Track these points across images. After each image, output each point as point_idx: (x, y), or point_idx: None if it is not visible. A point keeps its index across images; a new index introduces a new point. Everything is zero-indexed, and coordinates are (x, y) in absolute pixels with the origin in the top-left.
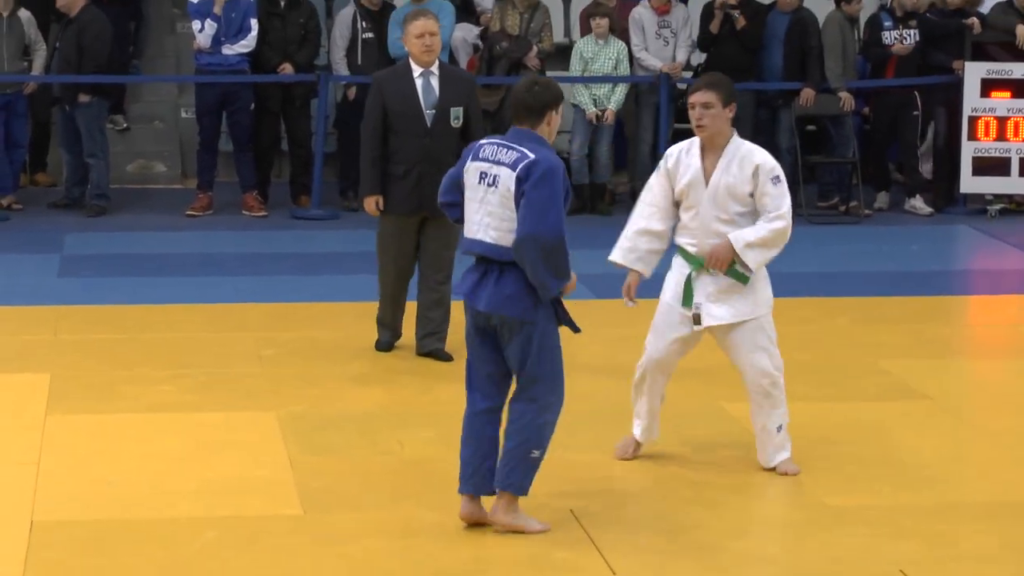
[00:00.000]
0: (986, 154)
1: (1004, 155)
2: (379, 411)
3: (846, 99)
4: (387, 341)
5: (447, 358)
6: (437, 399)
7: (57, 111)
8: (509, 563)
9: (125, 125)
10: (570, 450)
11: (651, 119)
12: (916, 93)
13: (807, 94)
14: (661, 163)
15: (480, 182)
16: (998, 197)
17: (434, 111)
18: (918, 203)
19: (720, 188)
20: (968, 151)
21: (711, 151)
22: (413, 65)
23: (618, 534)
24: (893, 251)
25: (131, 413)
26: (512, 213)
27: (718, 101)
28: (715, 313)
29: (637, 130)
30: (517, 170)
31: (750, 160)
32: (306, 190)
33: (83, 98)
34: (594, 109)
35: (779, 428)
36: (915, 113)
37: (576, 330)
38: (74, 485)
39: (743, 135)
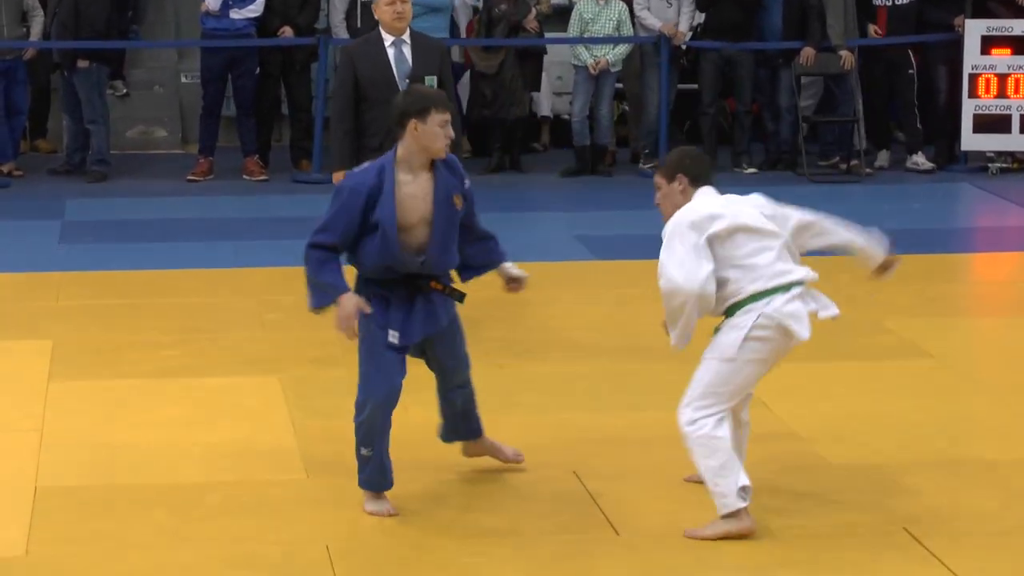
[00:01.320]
0: (987, 111)
1: (1005, 112)
2: None
3: (847, 57)
4: None
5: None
6: None
7: (58, 77)
8: (511, 519)
9: (125, 91)
10: (568, 410)
11: (655, 80)
12: (910, 51)
13: (807, 53)
14: None
15: None
16: (999, 155)
17: (408, 81)
18: (919, 159)
19: None
20: (969, 108)
21: None
22: (384, 34)
23: (621, 490)
24: (895, 209)
25: (134, 379)
26: None
27: (662, 180)
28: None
29: (643, 91)
30: None
31: None
32: (307, 154)
33: (82, 64)
34: (592, 60)
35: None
36: (910, 71)
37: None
38: (77, 451)
39: (744, 96)
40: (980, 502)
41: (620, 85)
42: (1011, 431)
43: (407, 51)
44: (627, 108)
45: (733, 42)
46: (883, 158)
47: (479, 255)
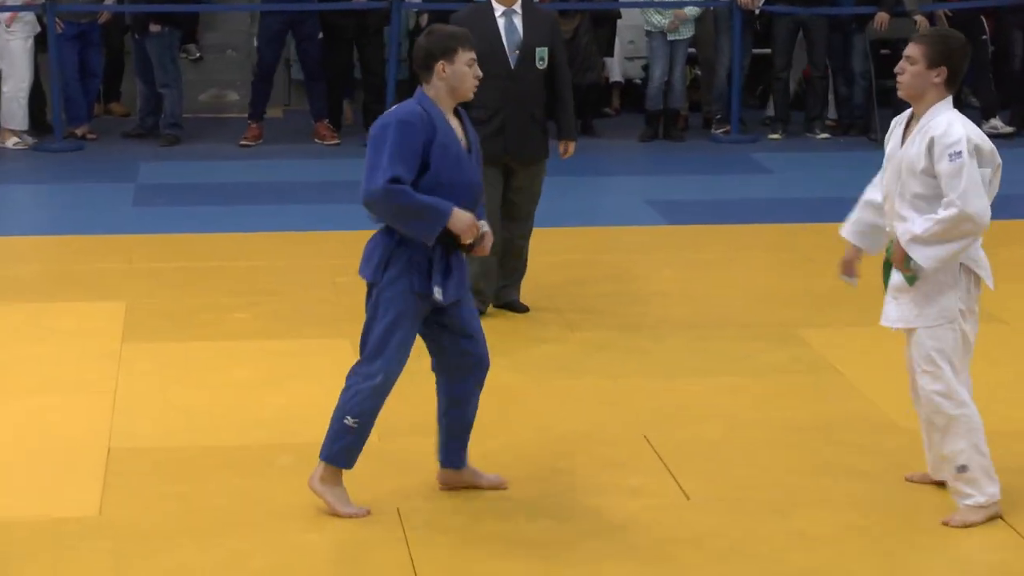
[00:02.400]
0: None
1: None
2: None
3: (921, 22)
4: (495, 290)
5: (523, 309)
6: (505, 325)
7: (130, 40)
8: (580, 485)
9: (198, 55)
10: (639, 376)
11: (727, 44)
12: (982, 17)
13: (881, 18)
14: None
15: None
16: None
17: (518, 52)
18: (998, 123)
19: (904, 162)
20: None
21: (916, 118)
22: (495, 3)
23: (693, 456)
24: None
25: (206, 341)
26: None
27: (922, 57)
28: (886, 312)
29: (715, 55)
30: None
31: (929, 131)
32: None
33: (154, 28)
34: (667, 20)
35: (960, 468)
36: (983, 37)
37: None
38: (150, 413)
39: (817, 60)
40: None
41: (693, 50)
42: None
43: (518, 21)
44: (699, 73)
45: (807, 6)
46: None
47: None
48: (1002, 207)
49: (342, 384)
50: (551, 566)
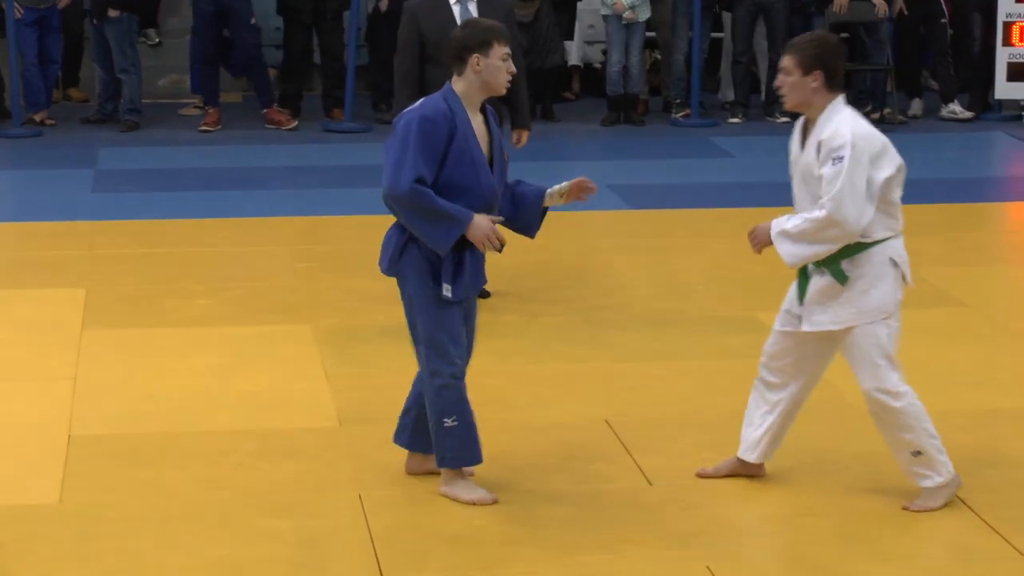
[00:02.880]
0: (1021, 59)
1: None
2: None
3: (880, 5)
4: None
5: (485, 294)
6: None
7: (89, 25)
8: (542, 469)
9: (157, 40)
10: (601, 359)
11: (686, 28)
12: (942, 0)
13: (840, 1)
14: None
15: None
16: None
17: None
18: (956, 108)
19: (803, 168)
20: (1003, 57)
21: (810, 122)
22: None
23: (654, 440)
24: (928, 158)
25: (167, 327)
26: None
27: (795, 67)
28: (815, 318)
29: (673, 39)
30: None
31: (819, 135)
32: (339, 103)
33: (112, 13)
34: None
35: (915, 453)
36: (943, 20)
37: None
38: (111, 399)
39: (777, 43)
40: (1014, 451)
41: (653, 34)
42: None
43: (473, 8)
44: (659, 57)
45: None
46: (916, 107)
47: (528, 203)
48: (962, 191)
49: (305, 369)
50: (514, 551)
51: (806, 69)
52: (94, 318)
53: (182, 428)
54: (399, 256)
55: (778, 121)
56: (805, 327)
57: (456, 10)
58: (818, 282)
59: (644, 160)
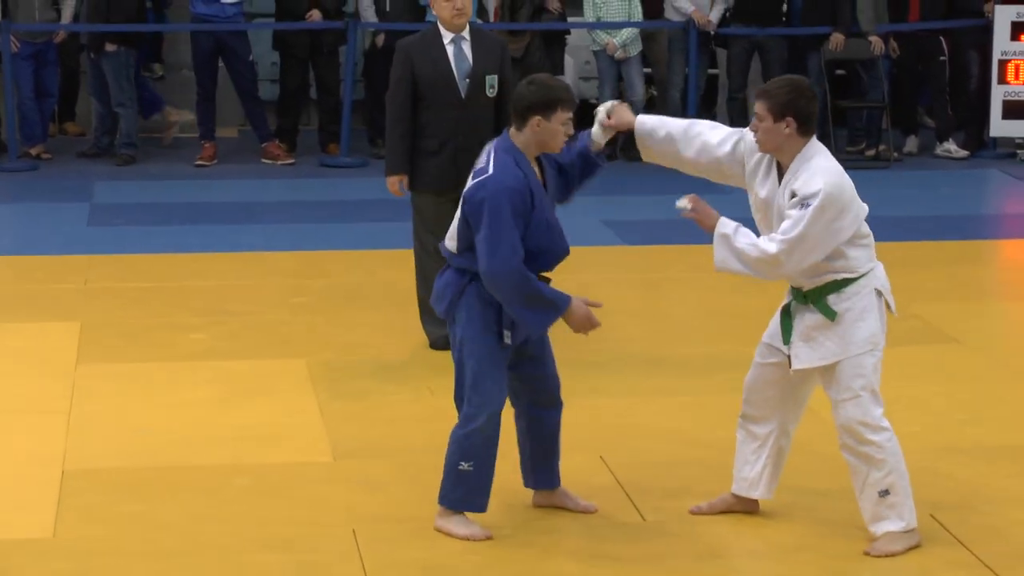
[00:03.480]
0: (1016, 97)
1: None
2: (409, 358)
3: (876, 43)
4: (444, 336)
5: None
6: None
7: (86, 60)
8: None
9: (161, 74)
10: (596, 395)
11: (681, 64)
12: (941, 37)
13: (836, 39)
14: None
15: None
16: None
17: (468, 80)
18: (952, 147)
19: (777, 207)
20: (998, 94)
21: (784, 166)
22: (443, 30)
23: (648, 476)
24: (923, 195)
25: (162, 361)
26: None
27: (767, 113)
28: (801, 355)
29: (668, 75)
30: (467, 187)
31: (793, 182)
32: (335, 138)
33: (109, 47)
34: (610, 39)
35: (883, 493)
36: (941, 58)
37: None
38: (105, 433)
39: (771, 77)
40: (1008, 488)
41: (650, 70)
42: None
43: (467, 48)
44: (655, 93)
45: (762, 27)
46: (911, 144)
47: (578, 168)
48: (956, 228)
49: (299, 404)
50: None
51: (777, 116)
52: (89, 352)
53: (176, 462)
54: (458, 299)
55: None
56: (795, 365)
57: (450, 50)
58: (803, 319)
59: (639, 195)
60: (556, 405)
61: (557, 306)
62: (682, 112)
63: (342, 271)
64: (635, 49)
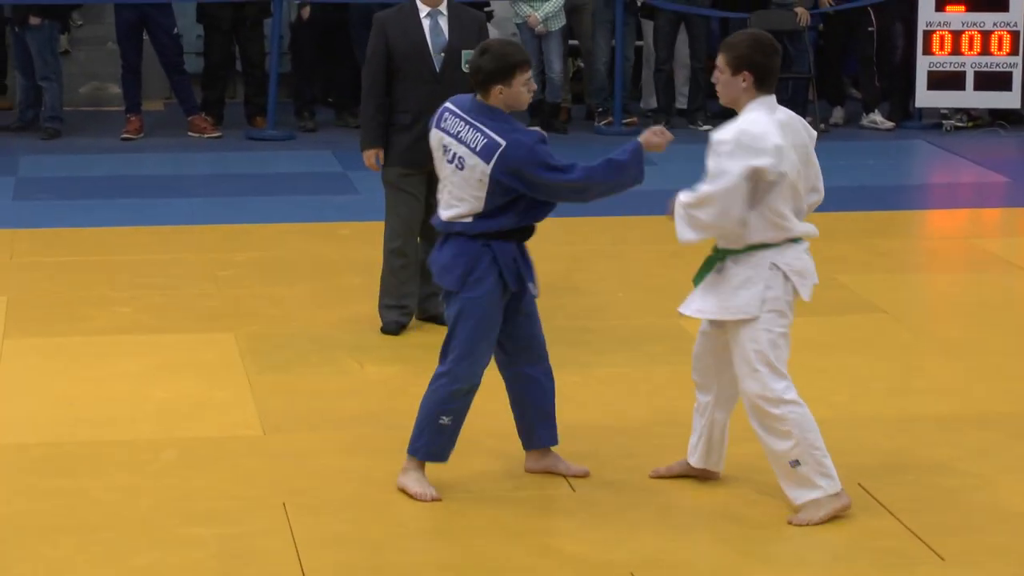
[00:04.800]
0: (941, 68)
1: (959, 69)
2: (337, 331)
3: (802, 14)
4: (396, 320)
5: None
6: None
7: (10, 33)
8: (469, 477)
9: (66, 48)
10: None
11: (607, 36)
12: (869, 9)
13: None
14: None
15: (443, 156)
16: (953, 112)
17: (443, 55)
18: (878, 117)
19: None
20: (923, 66)
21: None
22: (419, 4)
23: (577, 446)
24: (849, 166)
25: (89, 335)
26: (480, 194)
27: (725, 66)
28: (687, 303)
29: (594, 48)
30: (492, 163)
31: (715, 133)
32: (261, 111)
33: (33, 20)
34: (532, 12)
35: (793, 463)
36: (870, 29)
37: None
38: (32, 408)
39: (698, 52)
40: (932, 457)
41: (576, 42)
42: (962, 386)
43: (443, 23)
44: (582, 65)
45: (688, 2)
46: (837, 115)
47: None
48: (882, 199)
49: (227, 377)
50: (435, 557)
51: (735, 69)
52: (15, 326)
53: (103, 436)
54: (473, 266)
55: (700, 129)
56: (680, 308)
57: (426, 23)
58: (713, 274)
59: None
60: (547, 364)
61: (633, 151)
62: (608, 85)
63: (269, 244)
64: (556, 24)
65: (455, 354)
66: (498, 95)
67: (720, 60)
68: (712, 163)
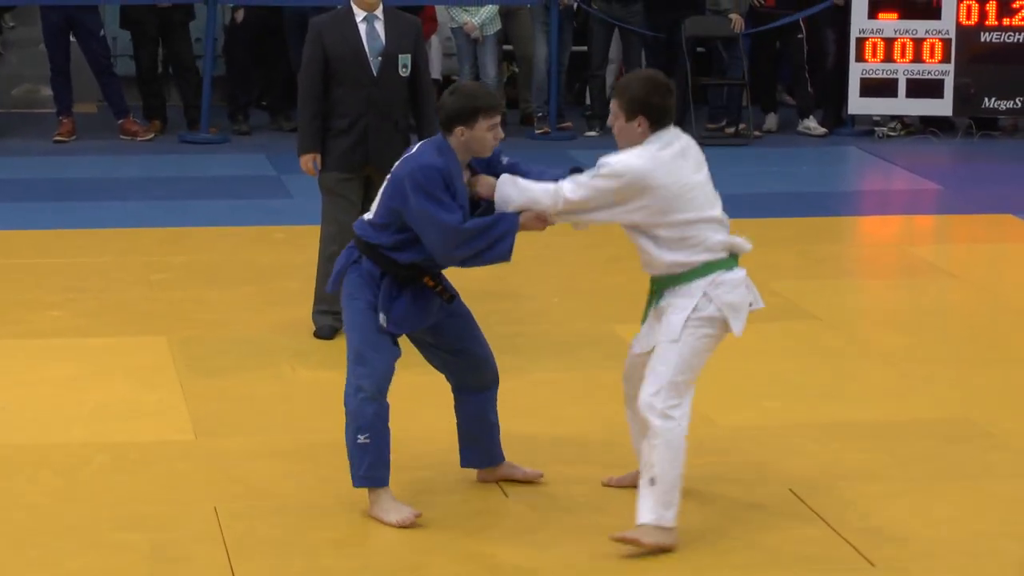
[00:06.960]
0: (874, 75)
1: (891, 76)
2: (270, 335)
3: (736, 21)
4: (329, 325)
5: None
6: None
7: None
8: (395, 484)
9: None
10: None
11: (544, 42)
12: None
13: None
14: None
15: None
16: (886, 119)
17: (380, 59)
18: (812, 123)
19: None
20: (856, 72)
21: None
22: (355, 8)
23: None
24: (782, 173)
25: (19, 339)
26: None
27: (620, 112)
28: (639, 337)
29: (533, 52)
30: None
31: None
32: (195, 114)
33: None
34: (469, 19)
35: (652, 480)
36: (799, 36)
37: (450, 299)
38: None
39: (632, 59)
40: (862, 463)
41: (510, 47)
42: (896, 393)
43: (380, 28)
44: (517, 70)
45: (622, 4)
46: (771, 122)
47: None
48: (815, 205)
49: (160, 381)
50: (367, 561)
51: (629, 114)
52: None
53: (34, 440)
54: (343, 274)
55: None
56: (633, 348)
57: (363, 28)
58: (650, 313)
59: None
60: (486, 387)
61: (509, 225)
62: (546, 89)
63: (202, 248)
64: (492, 29)
65: (351, 365)
66: (459, 136)
67: (614, 105)
68: (587, 178)
